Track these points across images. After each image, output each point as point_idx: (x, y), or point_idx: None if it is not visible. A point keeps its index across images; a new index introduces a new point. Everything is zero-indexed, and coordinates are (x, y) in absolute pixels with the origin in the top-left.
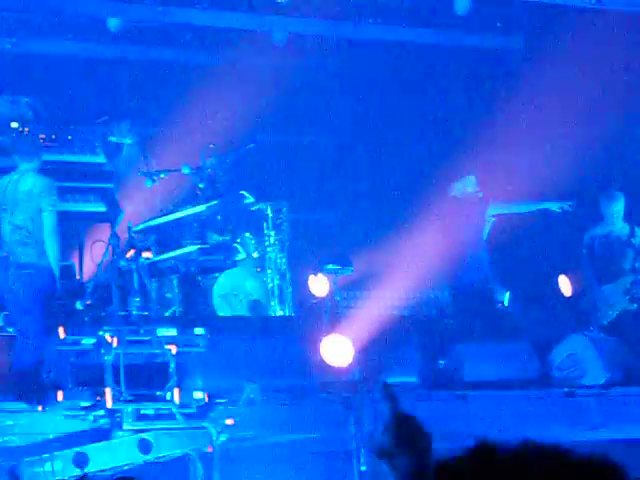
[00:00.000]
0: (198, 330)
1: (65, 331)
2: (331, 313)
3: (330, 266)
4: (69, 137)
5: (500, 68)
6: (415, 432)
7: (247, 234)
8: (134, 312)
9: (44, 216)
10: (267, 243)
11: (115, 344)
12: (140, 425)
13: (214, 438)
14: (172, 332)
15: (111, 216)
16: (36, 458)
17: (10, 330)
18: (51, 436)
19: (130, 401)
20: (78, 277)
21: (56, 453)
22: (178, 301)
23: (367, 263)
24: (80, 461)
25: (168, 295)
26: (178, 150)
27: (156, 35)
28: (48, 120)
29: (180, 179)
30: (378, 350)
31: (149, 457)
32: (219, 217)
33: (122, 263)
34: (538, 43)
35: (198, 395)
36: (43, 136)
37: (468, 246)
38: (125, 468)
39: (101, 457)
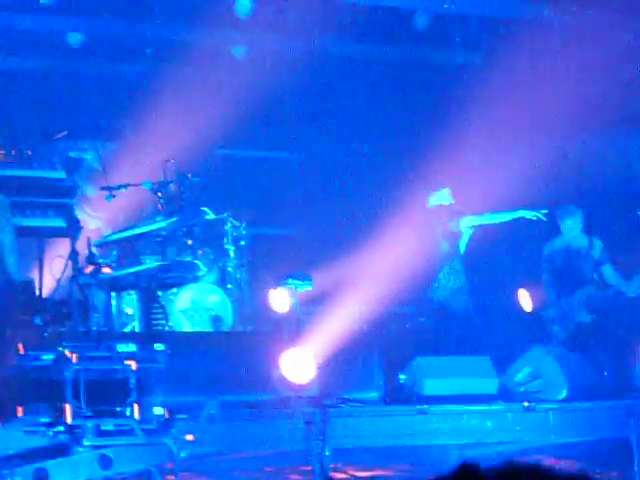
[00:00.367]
0: (158, 346)
1: (24, 347)
2: (292, 328)
3: (290, 281)
4: (28, 152)
5: (462, 83)
6: None
7: (207, 249)
8: (94, 328)
9: (1, 234)
10: (227, 258)
11: (75, 360)
12: (100, 441)
13: (175, 454)
14: (132, 348)
15: (71, 231)
16: None
17: None
18: (11, 452)
19: (90, 417)
20: (38, 293)
21: (16, 469)
22: (138, 317)
23: (330, 277)
24: (40, 477)
25: (128, 311)
26: (139, 165)
27: (116, 50)
28: (7, 136)
29: (143, 195)
30: (339, 365)
31: (109, 473)
32: (180, 233)
33: (82, 279)
34: (497, 58)
35: (158, 411)
36: (2, 152)
37: (443, 258)
38: None
39: (61, 473)
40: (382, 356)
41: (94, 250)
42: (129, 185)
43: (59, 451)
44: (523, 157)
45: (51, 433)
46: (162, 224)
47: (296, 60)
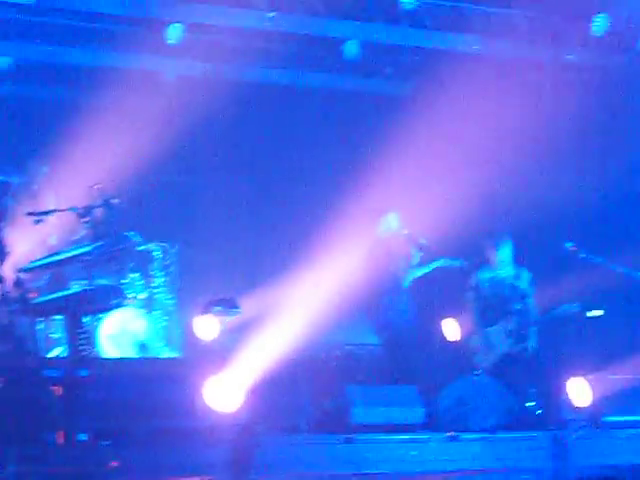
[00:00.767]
0: (84, 372)
1: None
2: (218, 356)
3: (217, 308)
4: None
5: (392, 113)
6: None
7: (135, 275)
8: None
9: None
10: (155, 284)
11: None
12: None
13: None
14: (57, 373)
15: None
16: None
17: None
18: None
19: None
20: None
21: None
22: (64, 342)
23: (259, 305)
24: None
25: (54, 336)
26: (68, 189)
27: (45, 74)
28: None
29: (70, 219)
30: (266, 393)
31: None
32: (105, 258)
33: (8, 304)
34: (428, 88)
35: (83, 437)
36: None
37: (391, 286)
38: None
39: None
40: (310, 384)
41: (21, 275)
42: (55, 211)
43: None
44: (454, 187)
45: None
46: (87, 248)
47: (227, 86)
